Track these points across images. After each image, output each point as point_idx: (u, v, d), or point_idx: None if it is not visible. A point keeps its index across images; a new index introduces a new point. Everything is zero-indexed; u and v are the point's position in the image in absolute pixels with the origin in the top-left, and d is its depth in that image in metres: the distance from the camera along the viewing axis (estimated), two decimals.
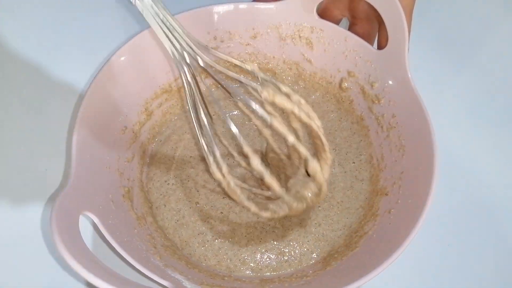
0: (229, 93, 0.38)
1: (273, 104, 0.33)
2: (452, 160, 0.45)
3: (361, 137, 0.44)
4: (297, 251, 0.39)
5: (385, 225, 0.36)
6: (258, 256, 0.38)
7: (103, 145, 0.37)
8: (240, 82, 0.34)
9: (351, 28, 0.45)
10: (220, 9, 0.42)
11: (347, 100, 0.45)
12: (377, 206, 0.38)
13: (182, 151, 0.44)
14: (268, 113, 0.32)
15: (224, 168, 0.36)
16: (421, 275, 0.40)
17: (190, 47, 0.35)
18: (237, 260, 0.38)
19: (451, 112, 0.49)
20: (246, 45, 0.45)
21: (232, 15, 0.43)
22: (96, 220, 0.31)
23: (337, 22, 0.46)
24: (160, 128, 0.45)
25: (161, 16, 0.34)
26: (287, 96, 0.33)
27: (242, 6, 0.43)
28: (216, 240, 0.39)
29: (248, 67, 0.34)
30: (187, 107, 0.37)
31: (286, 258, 0.38)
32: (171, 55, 0.36)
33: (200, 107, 0.36)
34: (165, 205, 0.41)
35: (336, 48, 0.43)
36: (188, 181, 0.42)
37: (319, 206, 0.40)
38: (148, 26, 0.40)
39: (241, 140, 0.34)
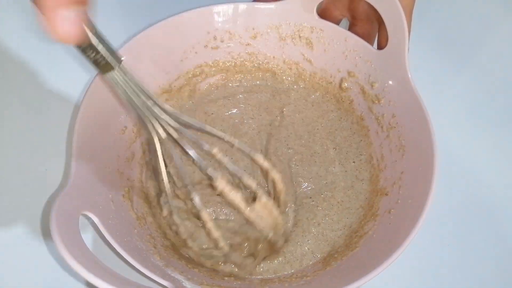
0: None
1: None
2: (452, 160, 0.45)
3: (361, 137, 0.44)
4: (297, 251, 0.39)
5: (385, 225, 0.36)
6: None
7: (103, 145, 0.37)
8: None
9: (351, 28, 0.45)
10: (220, 9, 0.42)
11: (347, 100, 0.45)
12: (377, 206, 0.38)
13: (181, 150, 0.44)
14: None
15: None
16: (421, 275, 0.40)
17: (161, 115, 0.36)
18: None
19: (451, 112, 0.49)
20: (246, 45, 0.45)
21: (232, 15, 0.43)
22: (96, 220, 0.31)
23: (337, 22, 0.46)
24: None
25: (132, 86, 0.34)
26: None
27: (242, 6, 0.43)
28: None
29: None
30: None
31: (286, 258, 0.38)
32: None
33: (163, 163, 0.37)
34: None
35: (336, 48, 0.43)
36: None
37: (319, 206, 0.40)
38: (148, 26, 0.40)
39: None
